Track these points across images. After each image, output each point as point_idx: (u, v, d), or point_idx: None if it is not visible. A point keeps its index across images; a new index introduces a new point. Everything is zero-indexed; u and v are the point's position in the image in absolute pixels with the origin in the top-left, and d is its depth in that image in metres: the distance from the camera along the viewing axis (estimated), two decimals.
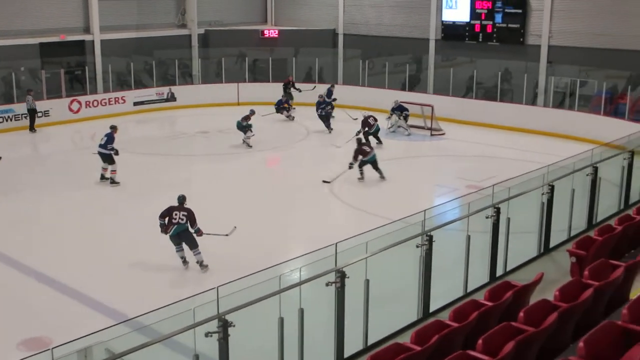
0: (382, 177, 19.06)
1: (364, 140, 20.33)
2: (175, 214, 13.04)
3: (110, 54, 29.41)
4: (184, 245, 13.22)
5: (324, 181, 18.83)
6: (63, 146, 24.46)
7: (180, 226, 13.01)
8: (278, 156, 22.80)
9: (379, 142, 22.45)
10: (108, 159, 18.72)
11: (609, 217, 12.40)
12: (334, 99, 26.07)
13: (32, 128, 25.15)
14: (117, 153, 18.66)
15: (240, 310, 7.07)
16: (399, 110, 24.92)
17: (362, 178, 19.10)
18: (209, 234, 13.34)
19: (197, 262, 13.20)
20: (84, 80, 28.62)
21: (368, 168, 18.99)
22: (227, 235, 13.69)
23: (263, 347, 9.21)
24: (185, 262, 13.31)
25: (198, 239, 13.20)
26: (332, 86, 27.93)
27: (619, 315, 5.92)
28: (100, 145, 18.73)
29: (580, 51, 25.42)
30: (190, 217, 13.06)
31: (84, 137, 25.00)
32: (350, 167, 18.92)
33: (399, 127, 25.00)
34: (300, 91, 28.64)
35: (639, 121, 21.95)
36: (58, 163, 21.95)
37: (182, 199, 13.30)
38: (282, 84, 29.17)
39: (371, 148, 19.31)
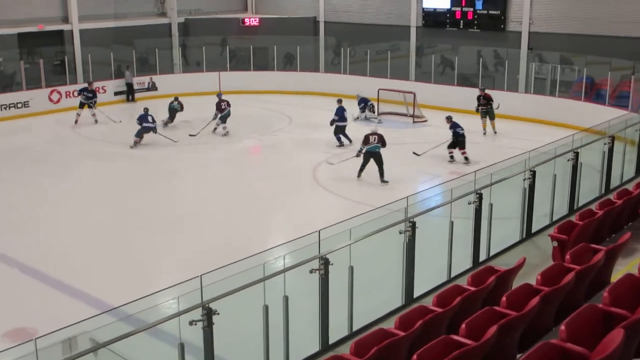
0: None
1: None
2: None
3: (89, 44, 29.16)
4: None
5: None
6: (44, 137, 24.23)
7: None
8: (259, 145, 22.72)
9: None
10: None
11: (590, 201, 12.50)
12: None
13: (132, 99, 28.67)
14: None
15: (224, 298, 7.06)
16: (363, 103, 24.80)
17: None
18: None
19: None
20: (63, 71, 28.38)
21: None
22: None
23: (248, 334, 9.23)
24: None
25: None
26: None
27: (599, 299, 5.98)
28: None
29: (561, 37, 25.56)
30: None
31: (64, 128, 24.78)
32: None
33: (366, 118, 24.91)
34: (491, 107, 23.29)
35: (619, 107, 22.09)
36: (37, 154, 21.76)
37: None
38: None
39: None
